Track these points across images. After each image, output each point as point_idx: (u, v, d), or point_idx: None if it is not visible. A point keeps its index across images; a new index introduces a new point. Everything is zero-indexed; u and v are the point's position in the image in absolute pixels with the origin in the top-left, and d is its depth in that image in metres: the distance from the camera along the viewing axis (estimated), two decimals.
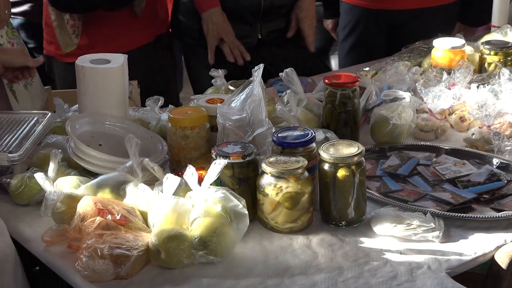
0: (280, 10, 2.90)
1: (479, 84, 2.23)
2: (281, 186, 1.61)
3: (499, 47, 2.44)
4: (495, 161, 1.92)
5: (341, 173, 1.63)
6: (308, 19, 2.94)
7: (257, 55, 2.84)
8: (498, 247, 1.61)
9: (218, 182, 1.63)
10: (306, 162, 1.63)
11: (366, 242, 1.63)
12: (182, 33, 3.01)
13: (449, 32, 2.71)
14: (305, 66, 2.71)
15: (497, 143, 1.97)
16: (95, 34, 2.71)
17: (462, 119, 2.15)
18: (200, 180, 1.59)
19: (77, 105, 2.08)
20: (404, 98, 2.07)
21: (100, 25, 2.70)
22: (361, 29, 3.13)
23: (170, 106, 2.19)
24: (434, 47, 2.44)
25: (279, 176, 1.61)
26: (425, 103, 2.17)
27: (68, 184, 1.74)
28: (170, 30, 3.02)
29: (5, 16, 2.18)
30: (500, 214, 1.70)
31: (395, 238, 1.63)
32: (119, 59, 2.03)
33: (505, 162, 1.91)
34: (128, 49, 2.54)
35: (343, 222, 1.67)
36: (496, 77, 2.25)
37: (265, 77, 1.99)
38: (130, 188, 1.66)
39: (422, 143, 2.06)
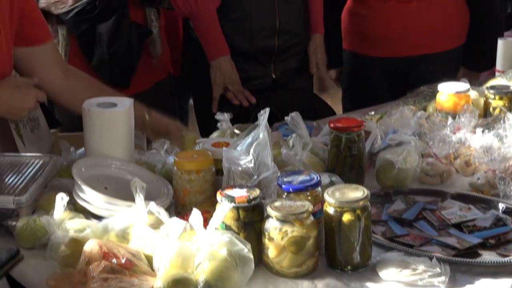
0: (293, 49, 2.94)
1: (484, 129, 2.23)
2: (287, 230, 1.60)
3: (504, 92, 2.45)
4: (501, 205, 1.91)
5: (347, 217, 1.63)
6: (323, 55, 3.01)
7: (268, 95, 2.86)
8: None
9: (223, 226, 1.63)
10: (311, 206, 1.63)
11: (372, 287, 1.62)
12: (191, 75, 3.03)
13: (453, 77, 2.72)
14: (310, 110, 2.72)
15: (502, 188, 1.96)
16: None
17: (467, 163, 2.15)
18: (205, 224, 1.59)
19: (83, 148, 2.09)
20: (410, 142, 2.07)
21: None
22: (365, 77, 3.15)
23: (176, 149, 2.19)
24: (439, 91, 2.45)
25: (284, 220, 1.61)
26: (430, 147, 2.17)
27: (74, 227, 1.74)
28: (177, 71, 3.05)
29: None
30: (506, 259, 1.69)
31: (401, 283, 1.62)
32: (126, 102, 2.05)
33: (511, 206, 1.90)
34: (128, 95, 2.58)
35: (349, 267, 1.66)
36: (501, 121, 2.25)
37: (271, 121, 2.00)
38: (135, 232, 1.66)
39: (427, 187, 2.06)
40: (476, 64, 3.16)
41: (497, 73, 2.87)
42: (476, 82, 2.75)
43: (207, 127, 2.80)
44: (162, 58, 2.97)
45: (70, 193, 1.84)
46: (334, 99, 3.59)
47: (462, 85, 2.44)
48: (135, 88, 2.82)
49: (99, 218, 1.80)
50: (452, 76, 2.88)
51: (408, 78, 3.08)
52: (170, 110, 3.03)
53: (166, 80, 3.03)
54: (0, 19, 2.08)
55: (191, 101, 3.45)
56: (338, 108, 3.43)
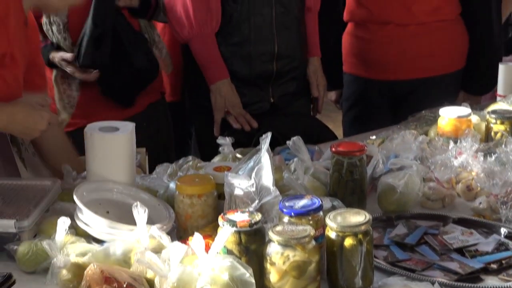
0: (291, 73, 2.95)
1: (486, 153, 2.23)
2: (288, 255, 1.60)
3: (506, 116, 2.46)
4: (503, 230, 1.91)
5: (348, 242, 1.62)
6: (322, 77, 3.03)
7: (269, 119, 2.86)
8: None
9: (225, 251, 1.63)
10: (313, 231, 1.63)
11: None
12: (191, 99, 3.04)
13: (452, 101, 2.73)
14: (312, 134, 2.73)
15: (504, 213, 1.96)
16: (89, 104, 2.76)
17: (469, 188, 2.15)
18: (207, 248, 1.58)
19: (85, 172, 2.09)
20: (411, 166, 2.07)
21: (94, 98, 2.75)
22: (365, 100, 3.16)
23: (179, 174, 2.19)
24: (440, 116, 2.45)
25: (286, 245, 1.60)
26: (432, 172, 2.17)
27: (75, 251, 1.74)
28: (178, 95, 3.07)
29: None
30: (508, 284, 1.68)
31: None
32: (128, 126, 2.05)
33: None
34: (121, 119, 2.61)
35: None
36: (503, 146, 2.25)
37: (273, 145, 2.00)
38: (137, 256, 1.66)
39: (429, 212, 2.05)
40: (475, 87, 3.17)
41: (498, 98, 2.88)
42: (477, 106, 2.75)
43: (209, 151, 2.81)
44: (156, 81, 2.99)
45: (71, 217, 1.84)
46: (336, 123, 3.60)
47: (463, 110, 2.45)
48: (129, 111, 2.83)
49: (100, 242, 1.80)
50: (452, 99, 2.89)
51: (408, 101, 3.09)
52: (164, 132, 3.04)
53: (160, 101, 3.05)
54: (16, 43, 2.10)
55: None
56: (338, 131, 3.44)
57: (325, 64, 3.22)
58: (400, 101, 3.13)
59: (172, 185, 2.06)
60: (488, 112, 2.51)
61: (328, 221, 1.65)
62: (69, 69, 2.73)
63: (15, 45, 2.09)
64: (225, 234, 1.58)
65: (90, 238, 1.83)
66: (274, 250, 1.61)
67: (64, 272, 1.67)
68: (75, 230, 1.85)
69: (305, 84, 3.08)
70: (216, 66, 2.87)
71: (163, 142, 3.05)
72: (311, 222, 1.68)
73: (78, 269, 1.65)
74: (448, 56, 3.09)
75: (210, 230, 1.78)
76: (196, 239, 1.57)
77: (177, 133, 3.24)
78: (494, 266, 1.76)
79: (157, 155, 2.71)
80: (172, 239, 1.72)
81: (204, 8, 2.82)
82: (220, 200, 1.90)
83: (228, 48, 2.88)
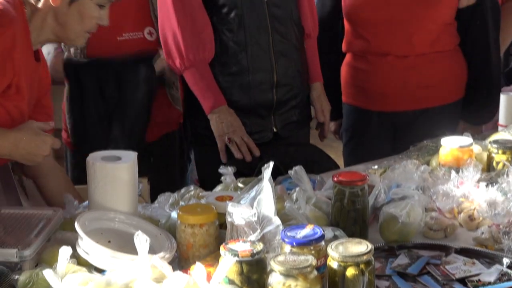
0: (291, 102, 2.95)
1: (487, 183, 2.23)
2: (290, 285, 1.59)
3: (507, 146, 2.46)
4: (506, 260, 1.90)
5: (350, 272, 1.62)
6: (326, 102, 3.05)
7: (271, 149, 2.86)
8: None
9: (227, 280, 1.62)
10: (315, 261, 1.62)
11: None
12: (192, 129, 3.05)
13: (453, 130, 2.73)
14: (313, 164, 2.73)
15: (507, 242, 1.95)
16: None
17: (471, 217, 2.15)
18: (209, 278, 1.58)
19: (87, 201, 2.09)
20: (413, 196, 2.07)
21: None
22: (365, 130, 3.17)
23: (181, 203, 2.19)
24: (442, 145, 2.46)
25: (288, 275, 1.60)
26: (434, 201, 2.17)
27: (77, 281, 1.73)
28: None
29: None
30: None
31: None
32: (130, 156, 2.05)
33: None
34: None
35: None
36: (505, 175, 2.25)
37: (274, 174, 2.00)
38: (139, 286, 1.65)
39: (431, 241, 2.05)
40: (474, 117, 3.18)
41: (500, 128, 2.88)
42: (479, 136, 2.76)
43: (211, 180, 2.81)
44: (174, 111, 3.01)
45: (73, 246, 1.83)
46: (337, 153, 3.60)
47: (465, 140, 2.45)
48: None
49: (102, 271, 1.79)
50: (452, 129, 2.89)
51: (409, 131, 3.09)
52: (176, 163, 3.05)
53: (175, 132, 3.06)
54: (22, 76, 2.12)
55: None
56: (340, 161, 3.44)
57: None
58: (401, 131, 3.14)
59: (174, 214, 2.05)
60: (490, 142, 2.51)
61: (330, 251, 1.65)
62: None
63: (21, 77, 2.10)
64: (227, 264, 1.58)
65: (91, 268, 1.82)
66: (276, 280, 1.61)
67: None
68: (77, 260, 1.84)
69: (307, 112, 3.09)
70: (212, 95, 2.86)
71: (174, 171, 3.06)
72: (313, 252, 1.68)
73: None
74: (447, 86, 3.10)
75: (212, 259, 1.78)
76: (198, 268, 1.57)
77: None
78: None
79: (169, 182, 2.72)
80: (174, 269, 1.72)
81: (195, 39, 2.82)
82: (222, 230, 1.90)
83: (226, 78, 2.87)
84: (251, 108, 2.89)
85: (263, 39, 2.86)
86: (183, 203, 2.18)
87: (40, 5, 2.13)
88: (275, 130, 2.96)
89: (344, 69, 3.21)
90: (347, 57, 3.20)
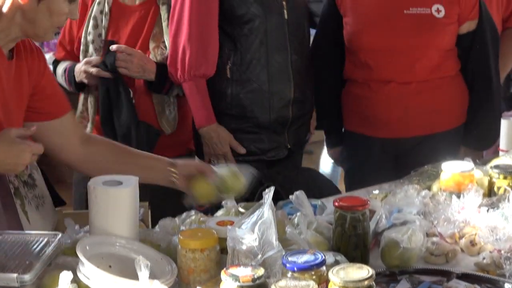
0: (302, 119, 3.02)
1: (489, 208, 2.23)
2: None
3: (508, 171, 2.46)
4: (507, 286, 1.90)
5: None
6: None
7: (287, 163, 2.95)
8: None
9: None
10: (316, 286, 1.62)
11: None
12: (198, 153, 3.08)
13: (454, 156, 2.74)
14: (314, 189, 2.73)
15: (508, 268, 1.95)
16: None
17: (472, 243, 2.15)
18: None
19: (88, 226, 2.09)
20: (414, 221, 2.07)
21: None
22: (367, 157, 3.16)
23: (181, 228, 2.19)
24: (443, 170, 2.46)
25: None
26: (435, 226, 2.17)
27: None
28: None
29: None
30: None
31: None
32: (131, 181, 2.06)
33: None
34: None
35: None
36: (506, 200, 2.25)
37: (276, 199, 2.00)
38: None
39: (432, 267, 2.04)
40: (475, 143, 3.18)
41: (501, 153, 2.89)
42: (480, 161, 2.76)
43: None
44: (184, 134, 3.03)
45: (74, 271, 1.83)
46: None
47: (466, 164, 2.45)
48: None
49: None
50: (454, 154, 2.89)
51: (410, 157, 3.08)
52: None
53: (183, 157, 3.06)
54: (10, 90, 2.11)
55: None
56: (341, 186, 3.45)
57: (325, 122, 3.24)
58: (402, 157, 3.14)
59: (175, 239, 2.05)
60: (491, 167, 2.52)
61: (331, 276, 1.65)
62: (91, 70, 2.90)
63: None
64: None
65: None
66: None
67: None
68: (78, 285, 1.83)
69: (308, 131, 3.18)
70: (205, 111, 2.94)
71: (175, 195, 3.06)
72: (314, 277, 1.67)
73: None
74: (449, 112, 3.11)
75: (212, 284, 1.77)
76: None
77: None
78: None
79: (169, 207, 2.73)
80: None
81: (201, 56, 2.90)
82: (223, 255, 1.89)
83: (248, 95, 2.94)
84: (269, 124, 2.95)
85: (282, 58, 2.95)
86: (184, 228, 2.18)
87: (5, 9, 2.10)
88: (289, 146, 3.00)
89: (345, 97, 3.22)
90: (349, 85, 3.20)
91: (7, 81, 2.15)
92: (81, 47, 3.02)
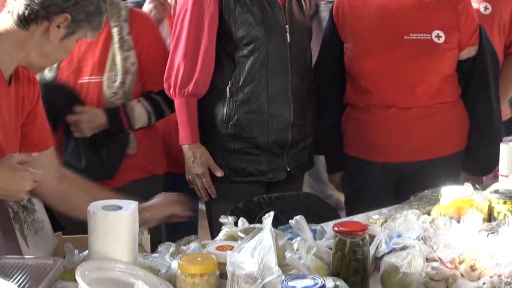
0: (302, 143, 3.02)
1: (489, 233, 2.23)
2: None
3: (508, 196, 2.45)
4: None
5: None
6: None
7: (287, 186, 2.96)
8: None
9: None
10: None
11: None
12: None
13: (454, 181, 2.74)
14: (314, 213, 2.74)
15: None
16: None
17: (472, 268, 2.14)
18: None
19: (87, 250, 2.08)
20: (414, 246, 2.07)
21: None
22: (368, 181, 3.17)
23: (181, 247, 2.19)
24: (442, 195, 2.46)
25: None
26: (435, 251, 2.16)
27: None
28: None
29: None
30: None
31: None
32: (131, 205, 2.05)
33: None
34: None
35: None
36: (506, 225, 2.25)
37: (275, 224, 2.00)
38: None
39: None
40: (475, 169, 3.19)
41: (500, 177, 2.88)
42: (479, 186, 2.76)
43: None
44: (145, 158, 3.03)
45: None
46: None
47: (465, 189, 2.45)
48: (108, 183, 2.87)
49: None
50: (454, 179, 2.89)
51: (411, 182, 3.09)
52: None
53: (147, 180, 3.05)
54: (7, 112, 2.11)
55: None
56: (341, 211, 3.44)
57: (326, 147, 3.24)
58: (403, 182, 3.14)
59: (174, 264, 2.05)
60: (491, 192, 2.51)
61: None
62: None
63: None
64: None
65: None
66: None
67: None
68: None
69: (312, 156, 3.18)
70: (190, 130, 2.98)
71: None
72: None
73: None
74: (450, 137, 3.12)
75: None
76: None
77: None
78: None
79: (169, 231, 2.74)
80: None
81: (194, 74, 2.93)
82: (222, 280, 1.89)
83: (246, 116, 2.95)
84: (268, 146, 2.95)
85: (283, 80, 2.97)
86: (183, 248, 2.18)
87: (27, 35, 2.11)
88: (288, 169, 3.01)
89: (346, 121, 3.22)
90: (349, 109, 3.21)
91: (7, 107, 2.16)
92: None
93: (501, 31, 3.51)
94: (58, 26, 2.12)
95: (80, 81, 2.91)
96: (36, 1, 2.09)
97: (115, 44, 2.94)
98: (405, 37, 3.01)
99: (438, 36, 3.00)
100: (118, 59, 2.93)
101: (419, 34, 3.01)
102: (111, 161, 2.93)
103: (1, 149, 2.11)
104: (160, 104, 3.03)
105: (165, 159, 3.21)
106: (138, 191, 2.78)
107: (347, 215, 3.23)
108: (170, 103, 3.02)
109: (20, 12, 2.10)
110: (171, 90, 2.96)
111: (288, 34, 2.96)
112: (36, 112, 2.30)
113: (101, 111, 2.93)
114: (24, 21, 2.10)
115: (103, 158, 2.91)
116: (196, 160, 2.97)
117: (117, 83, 2.93)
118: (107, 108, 2.93)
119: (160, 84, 2.98)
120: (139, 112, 2.97)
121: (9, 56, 2.13)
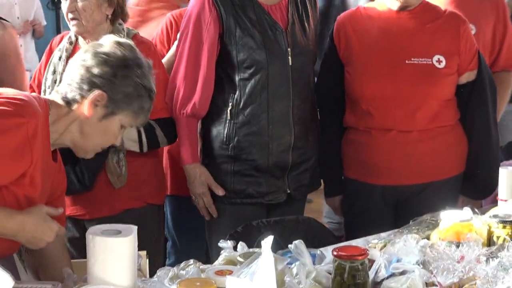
0: (303, 165, 3.01)
1: (488, 258, 2.22)
2: None
3: (507, 220, 2.45)
4: None
5: None
6: None
7: (288, 209, 2.97)
8: None
9: None
10: None
11: None
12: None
13: (454, 205, 2.74)
14: (313, 238, 2.73)
15: None
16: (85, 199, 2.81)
17: None
18: None
19: (86, 275, 2.08)
20: (413, 271, 2.06)
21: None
22: (368, 204, 3.17)
23: (180, 272, 2.18)
24: (442, 220, 2.45)
25: None
26: (434, 276, 2.16)
27: None
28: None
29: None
30: None
31: None
32: (130, 230, 2.05)
33: None
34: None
35: None
36: (505, 250, 2.24)
37: (274, 248, 2.00)
38: None
39: None
40: (473, 192, 3.19)
41: (499, 202, 2.88)
42: (479, 210, 2.75)
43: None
44: (136, 188, 2.99)
45: None
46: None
47: (465, 214, 2.45)
48: (100, 211, 2.86)
49: None
50: (453, 203, 2.89)
51: (410, 205, 3.09)
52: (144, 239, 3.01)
53: (140, 210, 3.00)
54: (38, 168, 2.13)
55: None
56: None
57: (325, 170, 3.24)
58: (402, 205, 3.14)
59: None
60: (490, 216, 2.51)
61: None
62: None
63: (37, 170, 2.11)
64: None
65: None
66: None
67: None
68: None
69: (315, 179, 3.17)
70: (191, 151, 3.00)
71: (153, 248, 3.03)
72: None
73: None
74: (449, 161, 3.12)
75: None
76: None
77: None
78: None
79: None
80: None
81: (193, 95, 2.95)
82: None
83: (246, 138, 2.96)
84: (268, 168, 2.95)
85: (284, 103, 2.97)
86: (182, 272, 2.17)
87: (70, 111, 2.17)
88: (288, 191, 3.01)
89: (345, 144, 3.23)
90: (349, 132, 3.21)
91: (47, 178, 2.21)
92: (41, 92, 2.98)
93: (485, 51, 3.53)
94: (96, 105, 2.15)
95: None
96: (76, 80, 2.16)
97: None
98: (406, 61, 3.02)
99: (439, 61, 3.02)
100: None
101: (420, 59, 3.03)
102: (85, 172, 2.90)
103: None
104: (155, 130, 2.97)
105: (165, 189, 3.20)
106: (129, 221, 2.78)
107: (347, 239, 3.23)
108: (168, 132, 3.00)
109: (63, 91, 2.19)
110: (172, 110, 2.99)
111: (290, 57, 2.96)
112: (59, 200, 2.36)
113: None
114: (65, 96, 2.18)
115: (77, 171, 2.88)
116: (196, 179, 2.98)
117: None
118: None
119: (161, 111, 2.96)
120: (131, 133, 2.92)
121: (55, 134, 2.18)
